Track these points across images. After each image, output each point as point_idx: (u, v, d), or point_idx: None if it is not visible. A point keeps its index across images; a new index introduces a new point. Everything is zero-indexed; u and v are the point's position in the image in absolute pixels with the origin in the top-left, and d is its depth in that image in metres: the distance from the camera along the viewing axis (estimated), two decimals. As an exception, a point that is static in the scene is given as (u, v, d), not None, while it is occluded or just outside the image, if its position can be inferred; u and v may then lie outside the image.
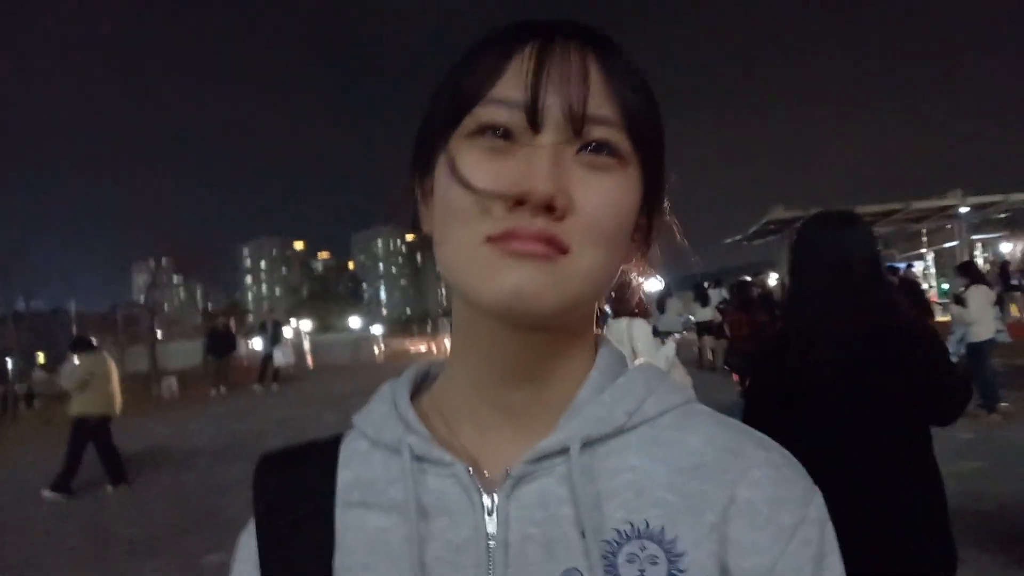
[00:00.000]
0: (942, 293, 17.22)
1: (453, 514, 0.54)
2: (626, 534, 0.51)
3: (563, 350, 0.57)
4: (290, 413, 12.83)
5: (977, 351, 7.41)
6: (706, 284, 15.35)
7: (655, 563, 0.50)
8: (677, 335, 7.65)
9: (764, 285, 16.20)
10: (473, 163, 0.50)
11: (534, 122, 0.50)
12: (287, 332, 22.56)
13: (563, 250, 0.49)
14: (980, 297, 7.56)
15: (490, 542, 0.52)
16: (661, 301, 14.18)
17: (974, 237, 21.58)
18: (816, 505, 0.54)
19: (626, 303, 4.21)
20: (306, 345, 27.04)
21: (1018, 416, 7.27)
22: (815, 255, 2.03)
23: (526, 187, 0.48)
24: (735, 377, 6.76)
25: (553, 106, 0.50)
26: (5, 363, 19.34)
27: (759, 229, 20.29)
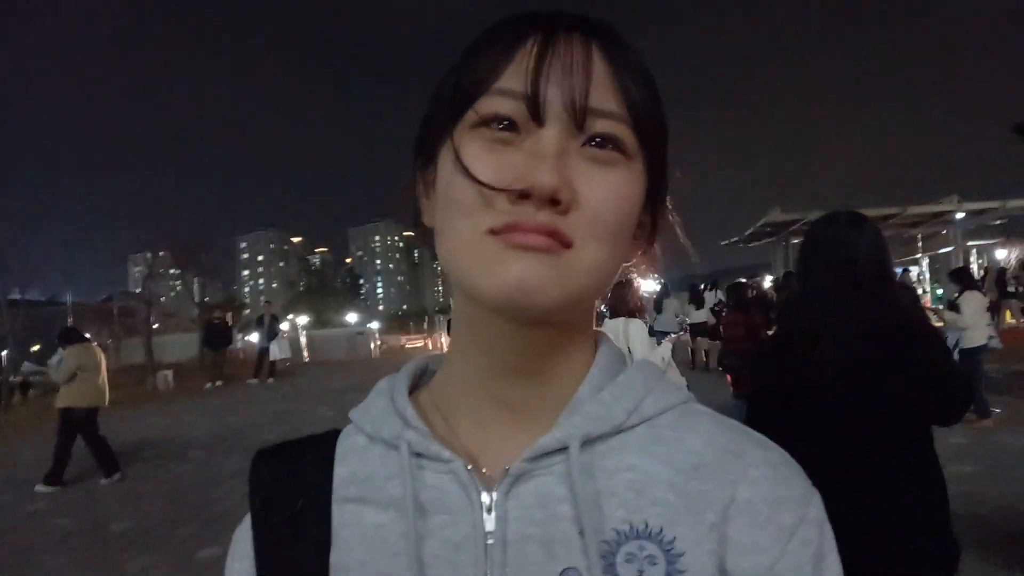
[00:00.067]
0: (936, 299, 17.24)
1: (451, 511, 0.53)
2: (625, 534, 0.51)
3: (563, 346, 0.57)
4: (286, 407, 12.81)
5: (970, 356, 7.44)
6: (702, 286, 15.37)
7: (654, 563, 0.50)
8: (673, 335, 7.66)
9: (760, 287, 16.23)
10: (477, 155, 0.50)
11: (535, 114, 0.50)
12: (283, 326, 22.52)
13: (566, 244, 0.49)
14: (974, 303, 7.62)
15: (488, 540, 0.52)
16: (658, 301, 14.20)
17: (969, 243, 21.64)
18: (815, 505, 0.54)
19: (624, 302, 4.22)
20: (302, 339, 27.00)
21: (1012, 420, 7.30)
22: (821, 254, 2.05)
23: (530, 180, 0.48)
24: (728, 378, 6.77)
25: (554, 98, 0.50)
26: (-1, 354, 19.28)
27: (756, 231, 20.30)
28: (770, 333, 7.64)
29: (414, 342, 33.65)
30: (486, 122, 0.51)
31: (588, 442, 0.54)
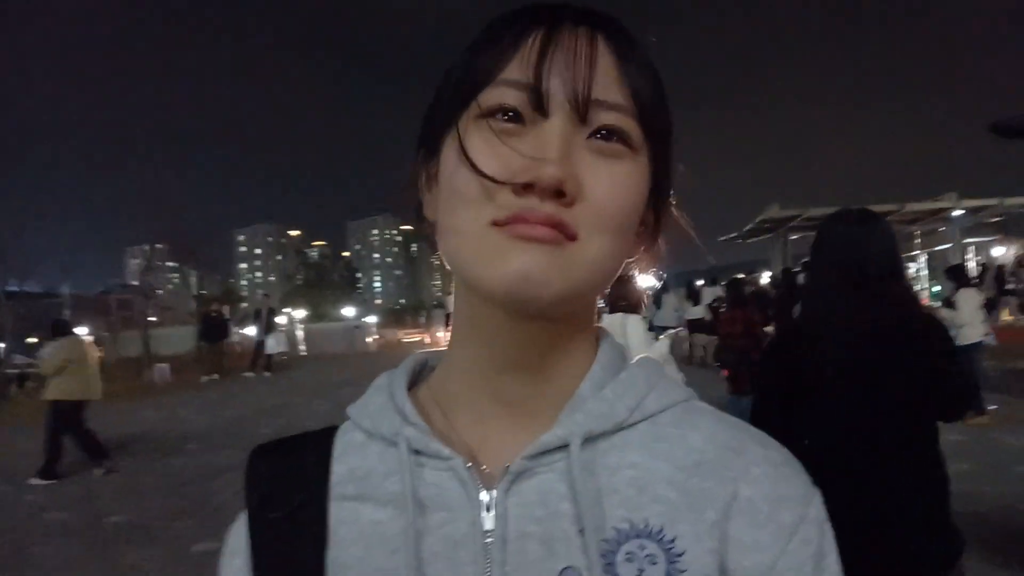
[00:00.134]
0: (933, 296, 17.29)
1: (451, 509, 0.53)
2: (625, 533, 0.51)
3: (565, 342, 0.56)
4: (282, 401, 12.82)
5: (965, 354, 7.47)
6: (700, 282, 15.41)
7: (654, 562, 0.49)
8: (671, 332, 7.67)
9: (757, 283, 16.26)
10: (481, 146, 0.49)
11: (539, 104, 0.49)
12: (280, 320, 22.52)
13: (571, 236, 0.48)
14: (969, 300, 7.68)
15: (488, 538, 0.51)
16: (658, 297, 14.24)
17: (967, 240, 21.68)
18: (816, 505, 0.53)
19: (623, 298, 4.22)
20: (299, 333, 26.99)
21: (1009, 419, 7.33)
22: (827, 252, 2.06)
23: (535, 171, 0.47)
24: (725, 373, 6.79)
25: (558, 89, 0.49)
26: (-4, 345, 19.26)
27: (754, 227, 20.34)
28: (768, 329, 7.67)
29: (411, 336, 33.66)
30: (490, 113, 0.50)
31: (590, 439, 0.53)
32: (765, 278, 19.78)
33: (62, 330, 8.24)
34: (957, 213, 19.06)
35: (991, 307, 12.87)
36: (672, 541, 0.50)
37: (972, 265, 20.10)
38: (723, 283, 12.43)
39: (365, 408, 0.61)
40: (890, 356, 1.88)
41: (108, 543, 5.40)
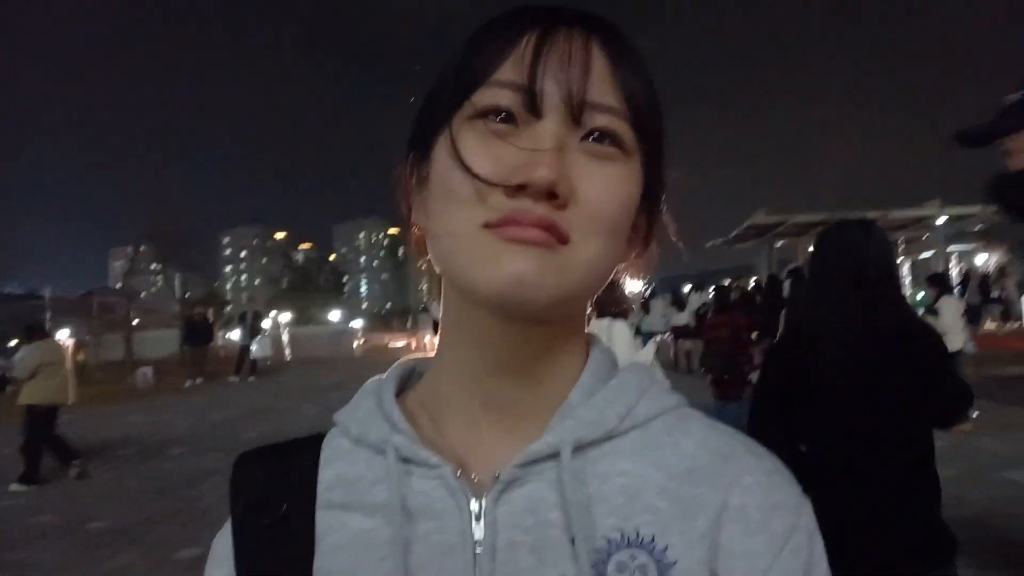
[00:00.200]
0: (916, 303, 17.44)
1: (439, 518, 0.52)
2: (616, 543, 0.50)
3: (556, 346, 0.56)
4: (267, 404, 12.75)
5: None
6: (687, 288, 15.48)
7: (645, 573, 0.49)
8: (658, 337, 7.71)
9: (745, 288, 16.35)
10: (473, 147, 0.49)
11: (532, 106, 0.49)
12: (266, 323, 22.41)
13: (563, 239, 0.48)
14: (951, 308, 7.79)
15: (477, 548, 0.50)
16: (646, 302, 14.30)
17: (950, 248, 21.89)
18: (806, 513, 0.53)
19: (612, 303, 4.22)
20: (284, 337, 26.86)
21: (990, 424, 7.40)
22: (828, 256, 2.13)
23: (527, 173, 0.47)
24: (709, 378, 6.83)
25: (552, 90, 0.49)
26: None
27: (741, 233, 20.44)
28: (752, 337, 7.72)
29: (398, 340, 33.58)
30: (483, 114, 0.50)
31: (580, 447, 0.53)
32: (751, 284, 19.89)
33: (37, 333, 8.16)
34: (940, 221, 19.24)
35: (976, 315, 13.03)
36: (663, 551, 0.50)
37: (955, 272, 20.30)
38: (711, 288, 12.52)
39: (353, 415, 0.59)
40: (889, 356, 1.93)
41: (91, 548, 5.34)
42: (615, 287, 0.63)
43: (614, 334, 4.22)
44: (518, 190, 0.47)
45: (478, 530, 0.51)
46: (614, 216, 0.51)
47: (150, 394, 15.73)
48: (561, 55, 0.50)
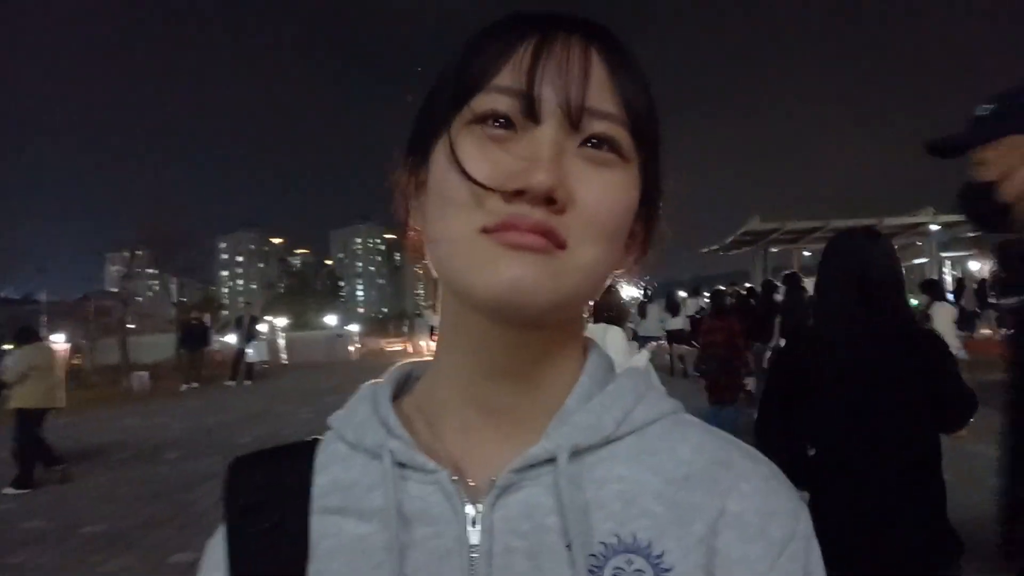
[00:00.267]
0: (912, 309, 17.47)
1: (435, 523, 0.52)
2: (613, 547, 0.50)
3: (553, 351, 0.56)
4: (263, 409, 12.71)
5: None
6: (683, 293, 15.51)
7: None
8: (654, 344, 7.72)
9: (740, 293, 16.38)
10: (471, 152, 0.49)
11: (531, 111, 0.49)
12: (262, 327, 22.37)
13: (560, 244, 0.48)
14: (944, 314, 7.82)
15: (473, 553, 0.50)
16: (642, 307, 14.32)
17: (944, 255, 21.96)
18: (804, 520, 0.53)
19: (609, 308, 4.23)
20: (281, 341, 26.80)
21: (985, 430, 7.39)
22: (834, 264, 2.17)
23: (525, 178, 0.47)
24: (702, 382, 6.84)
25: (550, 96, 0.49)
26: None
27: (736, 239, 20.45)
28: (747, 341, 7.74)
29: (394, 345, 33.52)
30: (482, 119, 0.50)
31: (577, 453, 0.52)
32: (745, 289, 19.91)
33: (27, 337, 8.13)
34: (934, 228, 19.29)
35: (972, 321, 13.08)
36: (660, 556, 0.50)
37: (949, 279, 20.35)
38: (706, 293, 12.55)
39: (348, 419, 0.59)
40: (892, 360, 1.97)
41: (85, 552, 5.32)
42: (611, 293, 0.63)
43: (608, 339, 4.23)
44: (516, 195, 0.47)
45: (474, 535, 0.51)
46: (612, 222, 0.51)
47: (146, 398, 15.67)
48: (559, 61, 0.50)
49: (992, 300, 17.14)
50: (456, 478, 0.53)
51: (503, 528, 0.51)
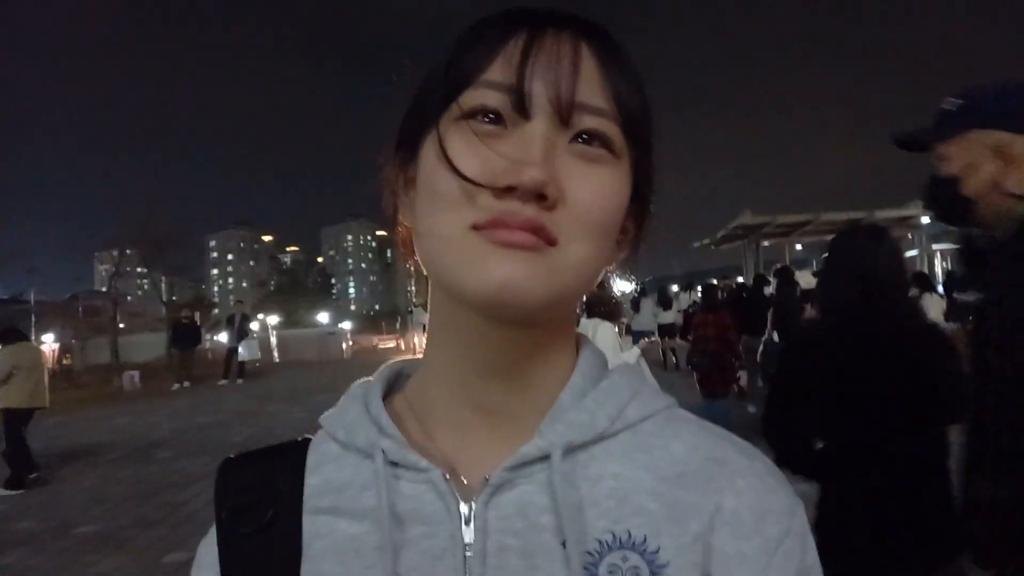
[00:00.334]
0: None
1: (429, 522, 0.51)
2: (608, 544, 0.49)
3: (545, 348, 0.55)
4: (254, 408, 12.68)
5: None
6: (675, 287, 15.55)
7: (637, 574, 0.49)
8: (647, 339, 7.74)
9: (732, 287, 16.44)
10: (462, 147, 0.48)
11: (521, 107, 0.48)
12: (254, 326, 22.31)
13: (551, 241, 0.47)
14: (935, 306, 7.88)
15: (467, 552, 0.50)
16: (636, 302, 14.37)
17: (934, 247, 22.07)
18: (800, 517, 0.53)
19: (601, 303, 4.24)
20: (272, 340, 26.74)
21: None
22: (838, 263, 2.17)
23: (516, 174, 0.46)
24: (695, 375, 6.88)
25: (540, 91, 0.48)
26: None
27: (728, 233, 20.51)
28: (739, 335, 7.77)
29: (386, 343, 33.49)
30: (471, 115, 0.49)
31: (570, 450, 0.52)
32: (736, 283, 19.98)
33: (12, 337, 8.06)
34: (924, 220, 19.38)
35: (961, 313, 13.16)
36: (655, 552, 0.49)
37: (939, 271, 20.46)
38: (699, 287, 12.59)
39: (339, 418, 0.58)
40: (891, 358, 1.96)
41: (77, 553, 5.29)
42: (603, 288, 0.62)
43: (599, 335, 4.24)
44: (506, 191, 0.46)
45: (468, 534, 0.50)
46: (603, 218, 0.50)
47: (136, 397, 15.61)
48: (550, 56, 0.49)
49: (955, 295, 17.25)
50: (449, 477, 0.52)
51: (497, 527, 0.51)
